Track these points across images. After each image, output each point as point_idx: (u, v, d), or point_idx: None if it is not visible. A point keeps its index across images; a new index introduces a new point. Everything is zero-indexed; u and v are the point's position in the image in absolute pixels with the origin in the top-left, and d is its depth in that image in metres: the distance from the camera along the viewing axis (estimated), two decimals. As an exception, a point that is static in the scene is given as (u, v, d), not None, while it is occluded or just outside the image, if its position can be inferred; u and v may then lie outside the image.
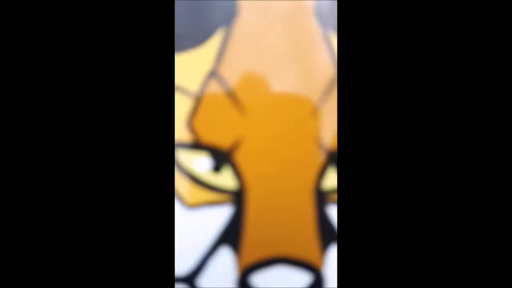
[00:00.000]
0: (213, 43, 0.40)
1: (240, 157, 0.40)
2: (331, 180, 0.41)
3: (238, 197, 0.40)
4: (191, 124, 0.40)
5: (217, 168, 0.40)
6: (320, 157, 0.41)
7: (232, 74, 0.40)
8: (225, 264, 0.40)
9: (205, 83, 0.40)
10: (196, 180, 0.40)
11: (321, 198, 0.41)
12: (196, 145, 0.39)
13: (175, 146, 0.40)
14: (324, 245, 0.41)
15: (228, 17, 0.41)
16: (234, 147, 0.40)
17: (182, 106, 0.40)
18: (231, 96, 0.40)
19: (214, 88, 0.40)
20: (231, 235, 0.40)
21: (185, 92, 0.40)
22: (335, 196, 0.41)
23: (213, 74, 0.40)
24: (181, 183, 0.40)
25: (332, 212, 0.41)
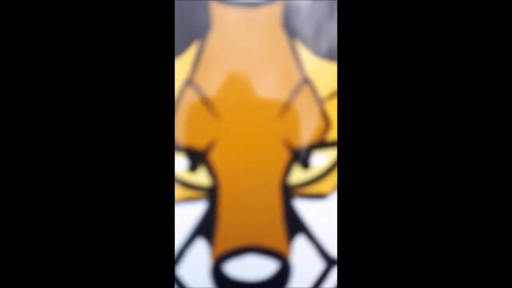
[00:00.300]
0: (189, 55, 0.44)
1: (214, 157, 0.43)
2: (295, 176, 0.44)
3: (212, 194, 0.44)
4: None
5: (193, 168, 0.44)
6: (285, 156, 0.44)
7: (206, 82, 0.43)
8: (200, 254, 0.44)
9: (181, 91, 0.44)
10: (175, 179, 0.44)
11: (287, 192, 0.45)
12: (176, 147, 0.43)
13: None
14: (291, 235, 0.44)
15: (202, 30, 0.44)
16: (209, 148, 0.43)
17: None
18: (205, 102, 0.43)
19: (190, 95, 0.44)
20: (205, 228, 0.44)
21: None
22: (300, 190, 0.45)
23: (189, 82, 0.44)
24: None
25: (298, 204, 0.45)
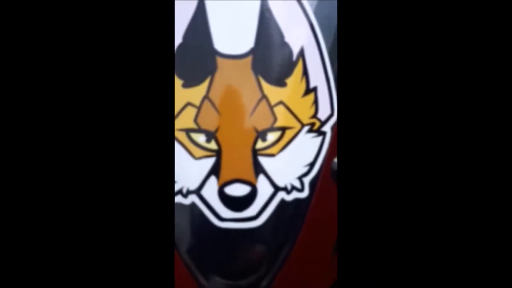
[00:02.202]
0: (206, 82, 0.72)
1: (219, 135, 0.73)
2: (258, 144, 0.73)
3: (218, 153, 0.73)
4: (196, 120, 0.75)
5: (208, 140, 0.73)
6: (254, 135, 0.74)
7: (215, 97, 0.72)
8: (212, 184, 0.74)
9: (202, 101, 0.73)
10: (198, 146, 0.74)
11: (254, 152, 0.73)
12: (199, 130, 0.73)
13: (191, 131, 0.75)
14: (256, 174, 0.73)
15: (213, 70, 0.72)
16: (216, 130, 0.73)
17: (193, 112, 0.74)
18: (215, 107, 0.73)
19: (207, 103, 0.72)
20: (215, 170, 0.73)
21: (193, 105, 0.75)
22: (261, 152, 0.73)
23: (206, 97, 0.72)
24: (192, 147, 0.74)
25: (260, 158, 0.73)
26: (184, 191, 0.76)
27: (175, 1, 0.65)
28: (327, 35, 0.77)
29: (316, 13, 0.77)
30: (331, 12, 0.76)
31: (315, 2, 0.77)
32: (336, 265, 0.64)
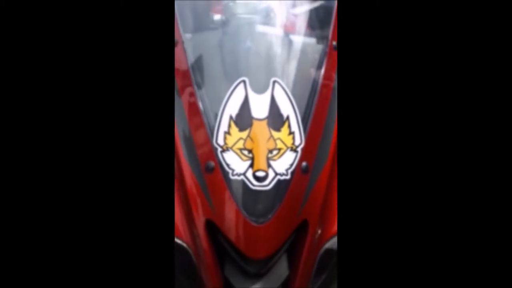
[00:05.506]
0: (248, 130, 1.88)
1: (253, 151, 1.77)
2: (269, 155, 1.69)
3: (252, 159, 1.63)
4: (244, 144, 1.90)
5: (248, 153, 1.82)
6: (267, 151, 1.81)
7: (252, 136, 1.86)
8: (250, 171, 1.69)
9: (246, 137, 1.87)
10: (244, 155, 1.68)
11: (267, 159, 1.66)
12: (245, 149, 1.86)
13: (241, 149, 1.89)
14: (268, 167, 1.64)
15: (250, 125, 1.88)
16: (252, 149, 1.82)
17: (242, 141, 1.79)
18: (252, 140, 1.80)
19: (248, 139, 1.85)
20: (251, 165, 1.61)
21: (243, 138, 1.89)
22: (271, 158, 1.88)
23: (248, 136, 1.85)
24: (241, 155, 1.67)
25: (270, 161, 1.88)
26: (239, 173, 1.58)
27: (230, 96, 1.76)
28: (300, 108, 1.66)
29: (293, 94, 1.66)
30: (304, 92, 1.69)
31: (295, 91, 1.68)
32: (305, 211, 1.64)
